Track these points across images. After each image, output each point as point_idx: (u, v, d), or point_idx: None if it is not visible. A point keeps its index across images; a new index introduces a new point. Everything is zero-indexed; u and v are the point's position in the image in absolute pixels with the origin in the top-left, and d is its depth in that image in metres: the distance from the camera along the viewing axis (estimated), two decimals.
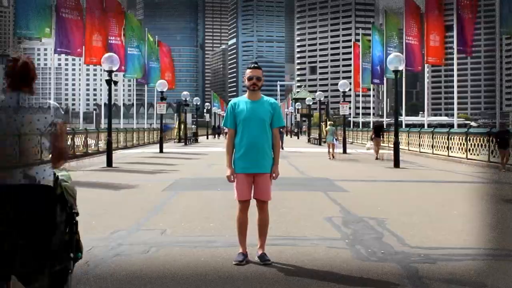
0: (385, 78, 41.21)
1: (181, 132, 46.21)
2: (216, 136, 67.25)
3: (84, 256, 5.63)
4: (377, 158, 22.62)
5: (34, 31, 27.10)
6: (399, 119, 23.20)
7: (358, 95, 61.52)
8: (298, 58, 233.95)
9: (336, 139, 24.18)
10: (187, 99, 45.56)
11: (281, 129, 29.31)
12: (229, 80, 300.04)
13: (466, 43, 29.35)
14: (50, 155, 3.58)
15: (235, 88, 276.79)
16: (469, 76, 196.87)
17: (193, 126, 59.83)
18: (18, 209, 3.19)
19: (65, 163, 3.57)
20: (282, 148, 28.32)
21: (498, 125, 39.26)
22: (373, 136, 24.15)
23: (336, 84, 38.46)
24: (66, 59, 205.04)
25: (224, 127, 5.41)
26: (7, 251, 3.17)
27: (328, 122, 28.43)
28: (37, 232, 3.23)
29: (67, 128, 3.66)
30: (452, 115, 53.24)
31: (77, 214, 3.53)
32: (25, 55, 3.65)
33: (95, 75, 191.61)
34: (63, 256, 3.42)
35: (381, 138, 24.44)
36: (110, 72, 19.39)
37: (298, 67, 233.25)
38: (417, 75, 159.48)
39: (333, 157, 23.31)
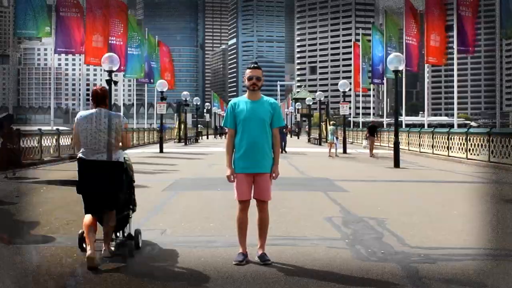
0: (385, 78, 41.22)
1: (181, 132, 46.24)
2: (218, 136, 67.19)
3: (84, 256, 5.65)
4: (371, 156, 24.55)
5: (34, 31, 27.10)
6: (399, 119, 23.27)
7: (358, 95, 61.52)
8: (298, 58, 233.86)
9: (336, 138, 25.37)
10: (187, 99, 45.56)
11: (284, 129, 28.43)
12: (229, 80, 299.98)
13: (468, 43, 29.34)
14: (120, 143, 5.66)
15: (235, 88, 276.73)
16: (469, 76, 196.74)
17: (199, 126, 59.61)
18: (109, 173, 5.53)
19: (127, 149, 5.93)
20: (285, 151, 27.04)
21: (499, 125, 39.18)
22: (367, 135, 26.48)
23: (336, 84, 38.47)
24: (66, 59, 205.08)
25: (225, 128, 5.51)
26: (102, 197, 5.53)
27: (330, 122, 28.98)
28: (118, 189, 5.63)
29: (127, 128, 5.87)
30: (452, 115, 53.26)
31: (134, 181, 6.17)
32: (101, 85, 6.31)
33: (95, 75, 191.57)
34: (126, 206, 5.96)
35: (375, 137, 26.72)
36: (110, 72, 19.40)
37: (298, 67, 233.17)
38: (417, 75, 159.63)
39: (334, 156, 24.37)
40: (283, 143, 26.82)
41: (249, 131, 5.43)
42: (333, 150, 24.66)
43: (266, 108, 5.51)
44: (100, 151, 5.51)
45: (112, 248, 5.61)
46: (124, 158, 5.80)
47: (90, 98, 5.95)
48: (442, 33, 30.96)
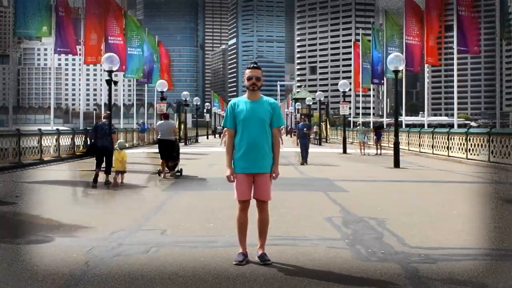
0: (385, 78, 41.20)
1: (181, 132, 46.21)
2: (217, 136, 67.33)
3: (84, 256, 5.66)
4: (363, 154, 26.56)
5: (34, 31, 27.10)
6: (399, 119, 23.28)
7: (358, 95, 61.54)
8: (298, 58, 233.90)
9: (366, 137, 28.82)
10: (187, 99, 45.54)
11: (306, 130, 21.57)
12: (229, 80, 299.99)
13: (471, 42, 29.27)
14: (174, 134, 15.48)
15: (235, 88, 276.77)
16: (469, 76, 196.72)
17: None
18: (171, 146, 14.89)
19: (175, 136, 15.70)
20: (305, 163, 19.75)
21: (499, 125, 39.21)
22: (375, 134, 29.16)
23: (336, 84, 38.45)
24: (66, 59, 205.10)
25: (224, 128, 5.56)
26: (169, 155, 14.73)
27: (358, 122, 31.01)
28: (174, 151, 14.91)
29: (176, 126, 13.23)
30: (452, 115, 53.21)
31: (179, 149, 15.69)
32: (165, 110, 23.76)
33: (95, 75, 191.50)
34: (177, 158, 15.01)
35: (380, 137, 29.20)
36: (110, 72, 19.36)
37: (298, 67, 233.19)
38: (417, 75, 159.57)
39: (364, 153, 26.98)
40: (304, 152, 20.39)
41: (249, 131, 5.43)
42: (367, 150, 27.57)
43: (265, 108, 5.51)
44: (166, 136, 14.84)
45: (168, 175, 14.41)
46: (175, 139, 15.37)
47: (162, 116, 16.35)
48: (436, 33, 30.91)
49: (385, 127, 36.53)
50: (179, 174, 14.68)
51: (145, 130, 42.14)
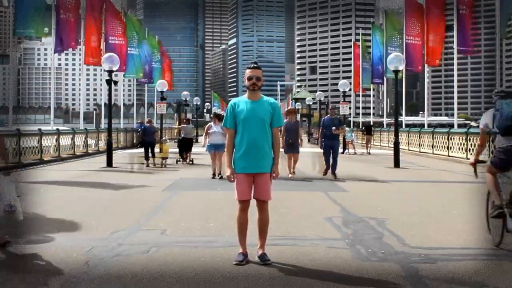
0: (385, 78, 41.19)
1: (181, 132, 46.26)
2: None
3: (84, 256, 5.66)
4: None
5: (34, 31, 27.08)
6: (399, 119, 23.29)
7: (358, 95, 61.48)
8: (298, 58, 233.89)
9: (355, 137, 30.95)
10: (187, 99, 45.54)
11: (335, 129, 14.71)
12: (229, 80, 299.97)
13: (470, 42, 29.27)
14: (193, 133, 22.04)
15: (235, 88, 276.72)
16: (469, 76, 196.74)
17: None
18: (190, 142, 20.62)
19: (191, 134, 21.62)
20: (335, 176, 14.47)
21: None
22: (364, 133, 31.11)
23: (336, 84, 38.45)
24: (66, 59, 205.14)
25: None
26: (188, 148, 20.30)
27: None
28: (191, 146, 20.60)
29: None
30: (452, 115, 53.20)
31: (193, 144, 21.37)
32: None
33: (95, 75, 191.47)
34: (190, 151, 20.40)
35: (371, 136, 30.94)
36: (110, 72, 19.39)
37: (298, 67, 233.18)
38: (417, 75, 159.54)
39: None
40: (335, 162, 14.75)
41: (249, 131, 5.43)
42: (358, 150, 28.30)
43: (266, 108, 5.51)
44: (188, 135, 20.61)
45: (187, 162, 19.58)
46: (192, 137, 21.38)
47: (186, 120, 22.59)
48: (439, 33, 30.88)
49: (385, 126, 36.85)
50: (191, 162, 19.65)
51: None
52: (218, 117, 14.62)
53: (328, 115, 15.73)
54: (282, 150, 12.20)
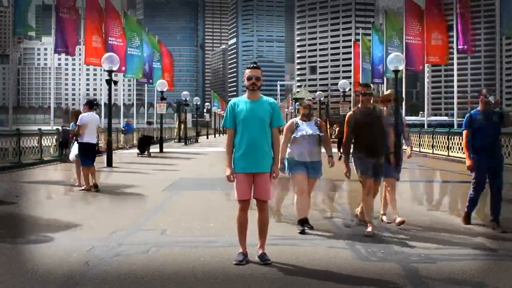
0: (385, 78, 41.16)
1: (181, 132, 46.24)
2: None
3: (84, 256, 5.66)
4: None
5: (33, 30, 27.07)
6: None
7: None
8: (298, 58, 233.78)
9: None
10: (187, 99, 45.51)
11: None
12: (229, 80, 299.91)
13: (469, 42, 29.26)
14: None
15: (235, 88, 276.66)
16: (469, 76, 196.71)
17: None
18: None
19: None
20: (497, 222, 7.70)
21: None
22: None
23: (336, 84, 38.46)
24: (66, 59, 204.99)
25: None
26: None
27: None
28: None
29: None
30: (452, 115, 53.17)
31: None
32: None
33: (95, 75, 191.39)
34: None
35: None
36: (110, 72, 19.37)
37: (298, 67, 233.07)
38: (417, 75, 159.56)
39: None
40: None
41: (249, 131, 5.43)
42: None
43: (265, 108, 5.51)
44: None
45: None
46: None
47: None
48: (444, 31, 30.87)
49: None
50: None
51: (130, 131, 34.25)
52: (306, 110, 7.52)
53: (479, 107, 8.27)
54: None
